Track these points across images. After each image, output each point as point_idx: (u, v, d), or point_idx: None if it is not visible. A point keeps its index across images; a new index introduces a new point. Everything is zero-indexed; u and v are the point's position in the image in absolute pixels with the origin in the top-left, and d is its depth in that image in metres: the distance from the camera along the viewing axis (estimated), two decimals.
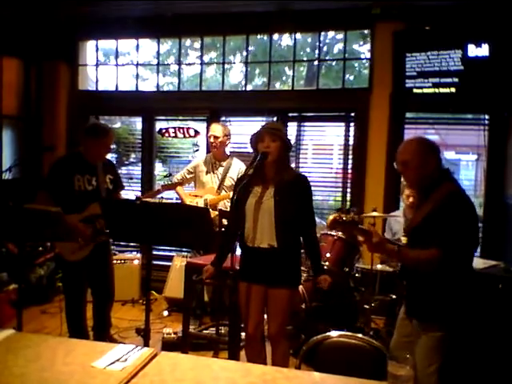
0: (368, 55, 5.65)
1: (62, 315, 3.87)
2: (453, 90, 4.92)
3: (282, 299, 3.00)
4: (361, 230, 2.46)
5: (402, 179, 4.88)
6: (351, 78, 7.54)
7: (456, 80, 4.91)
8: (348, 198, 5.65)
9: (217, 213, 4.22)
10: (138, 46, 6.36)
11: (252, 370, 1.85)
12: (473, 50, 4.83)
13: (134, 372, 1.76)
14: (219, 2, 5.28)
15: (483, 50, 4.81)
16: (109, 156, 4.37)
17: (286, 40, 7.58)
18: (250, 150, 3.17)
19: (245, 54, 6.12)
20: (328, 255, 4.16)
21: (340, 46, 6.45)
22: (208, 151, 5.55)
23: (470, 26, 4.92)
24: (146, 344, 2.57)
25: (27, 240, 3.96)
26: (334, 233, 4.26)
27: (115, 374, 1.74)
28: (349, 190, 5.65)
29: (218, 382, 1.72)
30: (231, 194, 4.66)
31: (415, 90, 5.05)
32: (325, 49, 6.57)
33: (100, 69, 6.50)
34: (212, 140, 4.78)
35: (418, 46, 5.04)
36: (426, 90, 5.02)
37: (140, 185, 6.26)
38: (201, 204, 4.69)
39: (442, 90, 4.96)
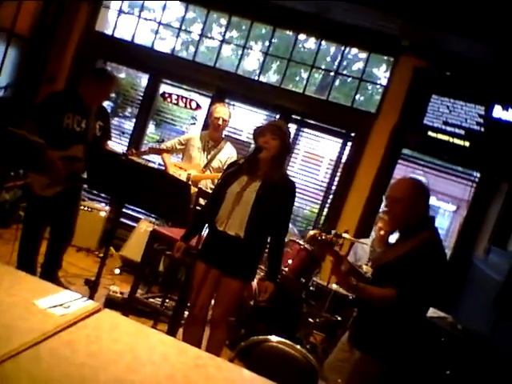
0: (384, 81, 5.69)
1: (15, 244, 3.82)
2: (467, 144, 4.98)
3: (232, 289, 3.03)
4: (335, 252, 2.51)
5: (381, 211, 4.97)
6: (362, 98, 7.58)
7: (473, 136, 4.95)
8: (324, 213, 5.70)
9: (196, 190, 4.21)
10: (165, 5, 6.29)
11: (187, 350, 1.87)
12: (498, 112, 4.88)
13: (72, 321, 1.76)
14: None
15: (509, 115, 4.85)
16: (105, 104, 4.33)
17: (309, 43, 7.58)
18: (244, 139, 3.17)
19: (267, 44, 6.10)
20: (290, 262, 4.19)
21: (360, 64, 6.48)
22: (204, 128, 5.52)
23: (500, 85, 4.95)
24: (92, 297, 2.56)
25: (2, 163, 3.89)
26: (301, 242, 4.29)
27: (54, 318, 1.74)
28: (327, 205, 5.70)
29: (152, 354, 1.73)
30: (215, 175, 4.68)
31: (430, 133, 5.09)
32: (344, 63, 6.57)
33: (121, 17, 6.40)
34: (220, 122, 4.73)
35: (438, 88, 5.08)
36: (440, 136, 5.06)
37: (128, 141, 6.19)
38: (183, 177, 4.67)
39: (456, 141, 5.01)
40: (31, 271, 3.69)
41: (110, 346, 1.68)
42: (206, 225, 3.12)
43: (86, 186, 4.30)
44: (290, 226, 5.10)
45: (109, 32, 6.42)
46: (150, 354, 1.73)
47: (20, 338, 1.55)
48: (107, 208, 5.69)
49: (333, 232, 2.60)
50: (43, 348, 1.54)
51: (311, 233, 2.55)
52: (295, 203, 3.22)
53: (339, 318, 4.42)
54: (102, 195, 5.82)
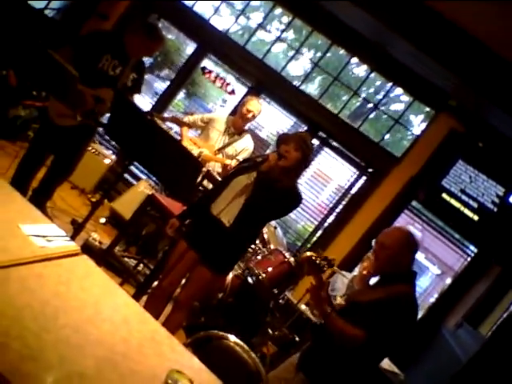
0: (418, 131, 5.68)
1: (15, 161, 3.81)
2: (475, 218, 4.99)
3: (203, 278, 3.01)
4: (321, 277, 2.53)
5: (370, 253, 4.97)
6: (391, 139, 7.58)
7: (484, 213, 4.97)
8: (317, 234, 5.69)
9: (205, 170, 4.20)
10: None
11: (148, 321, 1.86)
12: None
13: (50, 256, 1.75)
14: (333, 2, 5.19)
15: None
16: (145, 58, 4.30)
17: (359, 69, 7.57)
18: (263, 136, 3.16)
19: (319, 55, 6.08)
20: (269, 269, 4.18)
21: (400, 106, 6.48)
22: (231, 114, 5.50)
23: None
24: (73, 238, 2.55)
25: (31, 80, 3.88)
26: (286, 254, 4.28)
27: (33, 247, 1.73)
28: (323, 228, 5.69)
29: (114, 313, 1.73)
30: (227, 161, 4.67)
31: (444, 195, 5.10)
32: (385, 99, 6.56)
33: None
34: (250, 116, 4.71)
35: (467, 156, 5.08)
36: (453, 202, 5.07)
37: (155, 101, 6.17)
38: (194, 153, 4.65)
39: (466, 212, 5.03)
40: (22, 192, 3.67)
41: (78, 292, 1.67)
42: None
43: (100, 129, 4.28)
44: (281, 235, 5.12)
45: None
46: (112, 312, 1.73)
47: None
48: (113, 157, 5.67)
49: (327, 258, 2.64)
50: (14, 273, 1.53)
51: (308, 254, 2.59)
52: (292, 215, 3.20)
53: (297, 339, 4.41)
54: (114, 144, 5.81)
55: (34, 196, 3.85)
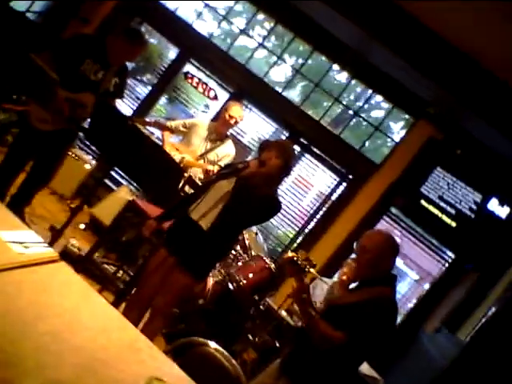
0: (397, 138, 5.75)
1: None
2: (453, 224, 5.07)
3: (181, 283, 2.99)
4: (301, 279, 2.54)
5: (350, 258, 5.01)
6: (371, 145, 7.65)
7: (462, 219, 5.06)
8: (298, 240, 5.72)
9: (186, 175, 4.19)
10: None
11: (128, 329, 1.85)
12: (493, 205, 4.96)
13: (27, 262, 1.73)
14: (314, 4, 5.23)
15: (503, 211, 4.94)
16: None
17: (341, 76, 7.63)
18: (245, 141, 3.18)
19: (300, 61, 6.13)
20: (250, 275, 4.18)
21: (380, 113, 6.54)
22: (213, 120, 5.51)
23: (505, 181, 5.05)
24: (51, 244, 2.53)
25: (11, 83, 3.83)
26: (267, 261, 4.29)
27: (11, 254, 1.71)
28: (303, 234, 5.72)
29: (93, 321, 1.71)
30: (209, 167, 4.66)
31: (423, 202, 5.17)
32: (366, 106, 6.63)
33: None
34: (232, 122, 4.72)
35: (445, 163, 5.17)
36: (431, 208, 5.15)
37: (136, 106, 6.14)
38: (176, 159, 4.63)
39: (444, 218, 5.10)
40: (0, 198, 3.62)
41: (56, 299, 1.66)
42: None
43: (81, 134, 4.24)
44: (262, 241, 5.13)
45: None
46: (91, 319, 1.71)
47: None
48: (94, 162, 5.62)
49: (309, 259, 2.65)
50: None
51: (290, 254, 2.59)
52: (273, 221, 3.22)
53: (277, 345, 4.41)
54: (94, 148, 5.76)
55: (12, 202, 3.79)
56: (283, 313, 4.30)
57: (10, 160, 3.73)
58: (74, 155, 5.36)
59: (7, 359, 1.23)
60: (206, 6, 6.30)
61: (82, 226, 5.04)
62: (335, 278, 4.98)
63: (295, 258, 2.57)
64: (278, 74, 8.12)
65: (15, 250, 1.74)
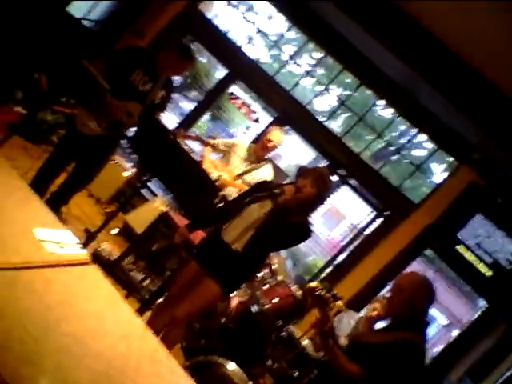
0: (439, 179, 5.65)
1: (36, 164, 3.86)
2: (489, 273, 4.93)
3: (209, 292, 2.95)
4: (325, 311, 2.49)
5: (381, 295, 4.89)
6: (410, 184, 7.53)
7: (498, 269, 4.91)
8: (327, 270, 5.63)
9: (221, 194, 4.20)
10: (271, 16, 6.38)
11: (150, 340, 1.83)
12: None
13: (59, 262, 1.74)
14: (365, 39, 5.23)
15: None
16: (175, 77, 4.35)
17: (385, 111, 7.58)
18: (282, 165, 3.18)
19: (346, 93, 6.13)
20: (275, 300, 4.12)
21: (423, 152, 6.45)
22: (254, 142, 5.53)
23: None
24: (84, 246, 2.55)
25: (62, 86, 3.95)
26: (293, 288, 4.22)
27: (43, 253, 1.72)
28: (333, 265, 5.63)
29: (117, 328, 1.70)
30: (243, 187, 4.66)
31: (459, 247, 5.04)
32: (409, 144, 6.55)
33: (227, 8, 6.49)
34: (271, 146, 4.73)
35: (486, 210, 5.03)
36: (467, 255, 5.00)
37: (180, 121, 6.24)
38: (213, 176, 4.65)
39: (480, 266, 4.95)
40: (40, 195, 3.69)
41: (83, 301, 1.66)
42: None
43: (123, 141, 4.32)
44: (289, 267, 5.08)
45: (209, 16, 6.51)
46: (114, 326, 1.70)
47: (2, 256, 1.54)
48: (133, 170, 5.70)
49: (332, 292, 2.61)
50: (22, 275, 1.52)
51: (312, 284, 2.56)
52: (303, 247, 3.19)
53: (296, 374, 4.31)
54: (135, 157, 5.85)
55: (51, 200, 3.88)
56: (305, 342, 4.21)
57: (53, 160, 3.82)
58: (114, 161, 5.46)
59: (28, 356, 1.23)
60: (259, 31, 6.39)
61: (115, 232, 5.09)
62: (362, 312, 4.87)
63: (317, 289, 2.54)
64: (322, 104, 8.13)
65: (48, 249, 1.75)
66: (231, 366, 2.29)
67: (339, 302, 3.92)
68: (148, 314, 3.30)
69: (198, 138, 4.81)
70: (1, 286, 1.41)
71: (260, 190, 3.09)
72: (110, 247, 4.28)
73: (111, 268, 3.73)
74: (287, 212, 2.90)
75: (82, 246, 2.00)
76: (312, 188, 2.94)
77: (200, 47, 6.67)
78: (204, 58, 7.34)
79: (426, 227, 5.22)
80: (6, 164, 2.21)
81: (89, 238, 2.65)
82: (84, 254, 1.94)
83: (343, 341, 3.95)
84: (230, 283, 3.06)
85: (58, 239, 1.84)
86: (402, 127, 7.88)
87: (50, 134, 5.46)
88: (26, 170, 3.86)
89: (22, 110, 4.91)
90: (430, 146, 6.55)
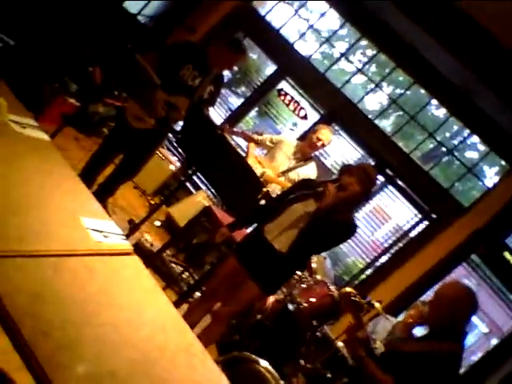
0: (490, 183, 5.46)
1: (87, 155, 3.98)
2: None
3: (250, 293, 2.99)
4: (359, 317, 2.49)
5: (420, 300, 4.78)
6: (460, 187, 7.32)
7: None
8: (367, 272, 5.56)
9: (264, 190, 4.20)
10: (324, 13, 6.32)
11: (186, 333, 1.84)
12: None
13: (104, 252, 1.79)
14: (420, 36, 5.10)
15: None
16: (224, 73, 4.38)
17: (438, 111, 7.39)
18: (328, 164, 3.15)
19: (398, 91, 6.00)
20: (312, 300, 4.10)
21: (475, 154, 6.26)
22: (300, 139, 5.51)
23: None
24: (127, 236, 2.62)
25: (116, 80, 4.04)
26: (331, 288, 4.19)
27: (89, 241, 1.78)
28: (374, 266, 5.55)
29: (154, 319, 1.73)
30: (287, 184, 4.66)
31: (506, 254, 4.88)
32: (461, 146, 6.36)
33: (279, 4, 6.48)
34: (319, 144, 4.69)
35: None
36: None
37: (226, 116, 6.28)
38: (257, 172, 4.67)
39: None
40: (88, 185, 3.81)
41: (124, 291, 1.70)
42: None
43: (170, 135, 4.39)
44: (329, 267, 5.03)
45: (262, 12, 6.52)
46: (153, 317, 1.74)
47: (49, 243, 1.59)
48: (178, 164, 5.80)
49: (367, 299, 2.59)
50: (67, 263, 1.58)
51: (347, 289, 2.55)
52: (344, 247, 3.17)
53: (329, 375, 4.29)
54: (180, 151, 5.95)
55: (99, 190, 3.99)
56: (340, 344, 4.17)
57: (102, 151, 3.93)
58: (161, 155, 5.56)
59: (67, 343, 1.27)
60: (310, 27, 6.35)
61: (158, 224, 5.21)
62: (400, 317, 4.78)
63: (352, 295, 2.52)
64: (373, 102, 8.00)
65: (94, 238, 1.81)
66: (264, 364, 2.30)
67: (377, 305, 3.87)
68: (185, 306, 3.36)
69: (243, 134, 4.83)
70: (45, 272, 1.46)
71: (303, 189, 3.07)
72: (152, 238, 4.37)
73: (152, 259, 3.80)
74: (331, 211, 2.88)
75: (125, 236, 2.05)
76: (357, 186, 2.90)
77: (251, 43, 6.68)
78: (255, 54, 7.35)
79: (473, 232, 5.06)
80: (59, 154, 2.29)
81: (132, 228, 2.71)
82: (127, 244, 1.99)
83: (378, 345, 3.90)
84: (270, 284, 3.07)
85: (103, 229, 1.89)
86: (455, 128, 7.67)
87: (101, 126, 5.62)
88: (77, 161, 3.99)
89: (76, 102, 5.07)
90: (482, 148, 6.35)
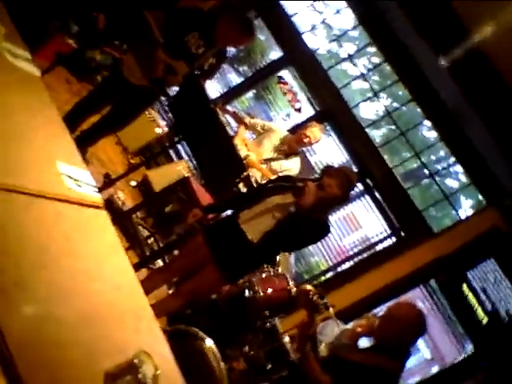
0: (463, 215, 5.57)
1: (74, 99, 3.89)
2: (485, 320, 4.99)
3: (211, 279, 3.04)
4: (313, 316, 2.52)
5: (372, 313, 4.86)
6: (434, 212, 7.40)
7: (495, 319, 4.94)
8: (327, 275, 5.62)
9: (245, 174, 4.19)
10: (339, 10, 6.28)
11: (140, 295, 1.82)
12: None
13: (73, 199, 1.75)
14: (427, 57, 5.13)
15: None
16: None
17: (430, 133, 7.46)
18: (312, 161, 3.17)
19: (395, 105, 6.05)
20: (269, 290, 4.11)
21: (455, 184, 6.34)
22: (291, 131, 5.49)
23: None
24: (100, 190, 2.58)
25: (118, 30, 3.94)
26: (290, 283, 4.21)
27: (61, 186, 1.73)
28: (335, 271, 5.62)
29: (111, 277, 1.71)
30: (268, 173, 4.65)
31: (464, 287, 5.07)
32: (444, 171, 6.46)
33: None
34: (306, 141, 4.69)
35: (500, 257, 4.98)
36: (470, 296, 5.03)
37: (224, 91, 6.22)
38: (242, 154, 4.64)
39: (478, 311, 4.99)
40: (71, 130, 3.73)
41: (87, 242, 1.67)
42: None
43: (163, 98, 4.32)
44: (292, 263, 5.06)
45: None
46: (111, 273, 1.70)
47: (23, 180, 1.55)
48: (165, 129, 5.72)
49: (325, 300, 2.63)
50: (35, 203, 1.54)
51: (308, 287, 2.58)
52: (310, 246, 3.22)
53: (269, 366, 4.34)
54: (170, 116, 5.87)
55: (81, 137, 3.91)
56: (286, 339, 4.22)
57: (91, 98, 3.85)
58: (150, 116, 5.48)
59: (20, 282, 1.24)
60: (323, 21, 6.31)
61: (133, 184, 5.14)
62: (349, 325, 4.85)
63: (311, 293, 2.56)
64: (368, 110, 8.03)
65: (67, 184, 1.76)
66: (209, 342, 2.30)
67: (330, 309, 3.91)
68: (144, 271, 3.34)
69: (234, 115, 4.79)
70: (13, 207, 1.43)
71: (283, 182, 3.08)
72: (124, 197, 4.32)
73: (120, 217, 3.77)
74: (309, 209, 2.88)
75: (98, 189, 2.01)
76: (337, 189, 2.92)
77: (261, 24, 6.60)
78: (263, 36, 7.28)
79: (437, 258, 5.15)
80: (46, 93, 2.22)
81: (107, 183, 2.67)
82: (98, 197, 1.95)
83: (323, 347, 3.96)
84: (232, 273, 3.07)
85: (78, 177, 1.85)
86: (442, 153, 7.76)
87: (95, 73, 5.49)
88: (62, 103, 3.90)
89: (74, 43, 4.94)
90: (464, 179, 6.45)
